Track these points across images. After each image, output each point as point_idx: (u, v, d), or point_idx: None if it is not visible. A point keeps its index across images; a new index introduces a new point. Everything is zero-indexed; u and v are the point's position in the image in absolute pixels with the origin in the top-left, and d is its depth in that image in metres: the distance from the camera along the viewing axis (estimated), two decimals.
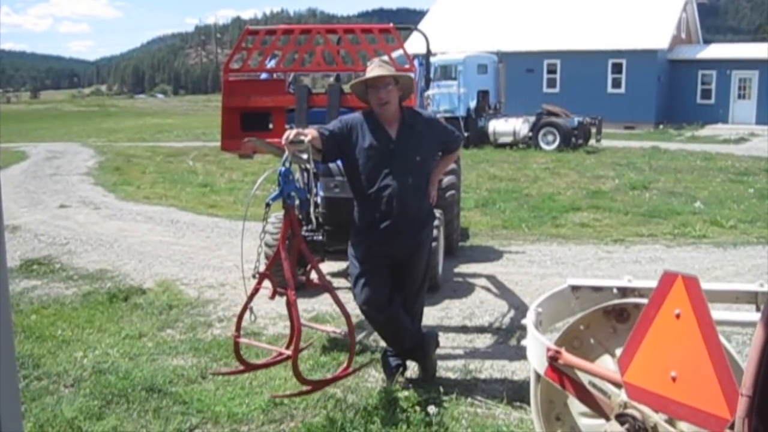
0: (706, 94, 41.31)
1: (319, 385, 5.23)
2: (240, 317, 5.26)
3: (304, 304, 7.67)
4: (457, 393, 5.49)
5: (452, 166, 9.36)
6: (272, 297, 5.25)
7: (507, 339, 6.90)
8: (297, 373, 4.89)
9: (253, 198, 6.04)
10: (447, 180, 9.30)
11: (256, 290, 5.21)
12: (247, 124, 7.30)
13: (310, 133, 5.03)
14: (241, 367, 5.38)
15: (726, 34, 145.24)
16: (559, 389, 3.58)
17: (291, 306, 5.01)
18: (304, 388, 5.10)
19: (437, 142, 5.64)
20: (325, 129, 5.26)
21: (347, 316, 5.17)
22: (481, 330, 7.17)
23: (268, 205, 5.10)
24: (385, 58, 5.84)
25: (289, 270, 4.95)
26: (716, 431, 2.70)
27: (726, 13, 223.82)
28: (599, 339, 3.69)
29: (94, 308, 7.82)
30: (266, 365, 5.52)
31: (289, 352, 5.07)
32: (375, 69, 5.35)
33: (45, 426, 4.98)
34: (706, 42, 48.78)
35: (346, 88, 6.67)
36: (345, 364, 5.30)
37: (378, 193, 5.28)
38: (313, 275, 5.39)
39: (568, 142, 25.97)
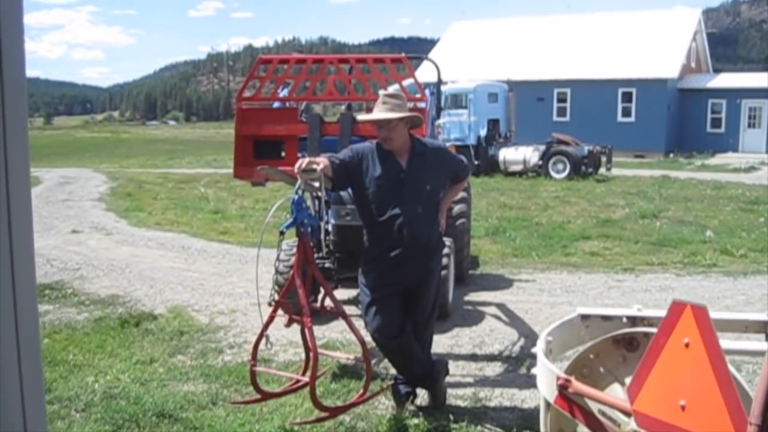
0: (716, 123, 41.31)
1: (335, 411, 5.24)
2: (256, 345, 5.29)
3: (314, 331, 7.68)
4: (467, 421, 5.49)
5: (462, 194, 9.40)
6: (288, 324, 5.29)
7: (517, 367, 6.89)
8: (314, 400, 4.92)
9: (257, 224, 6.08)
10: (457, 208, 9.34)
11: (271, 318, 5.25)
12: (260, 151, 7.36)
13: (322, 161, 5.08)
14: (258, 396, 5.40)
15: (736, 63, 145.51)
16: (568, 417, 3.59)
17: (307, 333, 5.04)
18: (320, 414, 5.11)
19: (446, 171, 5.69)
20: (336, 158, 5.31)
21: (362, 342, 5.20)
22: (491, 358, 7.17)
23: (282, 233, 5.14)
24: (392, 90, 5.87)
25: (303, 297, 4.99)
26: None
27: (736, 43, 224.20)
28: (609, 367, 3.70)
29: (106, 333, 7.85)
30: (284, 393, 5.55)
31: (306, 379, 5.10)
32: (379, 107, 5.40)
33: None
34: (716, 71, 48.91)
35: (359, 117, 6.73)
36: (361, 391, 5.31)
37: (388, 221, 5.32)
38: (327, 302, 5.42)
39: (579, 170, 25.97)
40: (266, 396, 5.46)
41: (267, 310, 5.31)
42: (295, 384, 5.41)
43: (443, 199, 5.74)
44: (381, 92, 5.68)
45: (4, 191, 1.32)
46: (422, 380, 5.73)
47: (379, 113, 5.36)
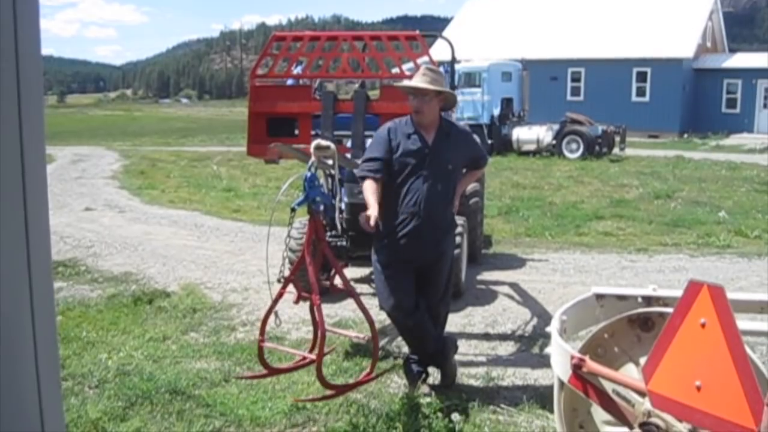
0: (731, 103, 41.01)
1: (342, 389, 5.25)
2: (264, 321, 5.30)
3: (326, 310, 7.64)
4: (480, 400, 5.49)
5: None
6: (297, 301, 5.29)
7: (529, 346, 6.89)
8: (321, 378, 4.92)
9: (278, 203, 6.11)
10: (471, 187, 9.29)
11: (280, 295, 5.25)
12: (273, 129, 7.34)
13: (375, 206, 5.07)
14: (265, 371, 5.41)
15: (752, 43, 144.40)
16: (582, 397, 3.58)
17: (316, 310, 5.04)
18: (327, 392, 5.12)
19: (467, 156, 5.70)
20: (376, 168, 5.30)
21: (371, 321, 5.19)
22: (503, 337, 7.17)
23: (293, 209, 5.13)
24: (433, 66, 5.84)
25: (313, 275, 4.98)
26: None
27: (752, 22, 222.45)
28: (623, 347, 3.68)
29: (119, 311, 7.88)
30: (290, 369, 5.56)
31: (313, 357, 5.11)
32: (419, 77, 5.40)
33: (70, 426, 5.02)
34: (732, 51, 48.53)
35: (372, 94, 6.71)
36: (368, 369, 5.32)
37: (407, 195, 5.32)
38: (337, 280, 5.42)
39: (592, 150, 25.86)
40: (273, 372, 5.47)
41: (276, 287, 5.32)
42: (302, 361, 5.42)
43: (460, 183, 5.74)
44: (424, 64, 5.68)
45: (19, 170, 1.31)
46: (434, 358, 5.73)
47: (420, 82, 5.36)
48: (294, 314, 7.32)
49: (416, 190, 5.32)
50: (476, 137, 6.19)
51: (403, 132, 5.41)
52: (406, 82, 5.66)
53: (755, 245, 11.33)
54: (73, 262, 10.18)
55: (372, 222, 4.96)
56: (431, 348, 5.63)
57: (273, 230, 7.52)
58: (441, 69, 5.85)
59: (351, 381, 5.61)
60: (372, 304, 5.93)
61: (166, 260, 10.44)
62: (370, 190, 5.21)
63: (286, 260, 5.36)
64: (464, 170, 5.84)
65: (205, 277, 9.49)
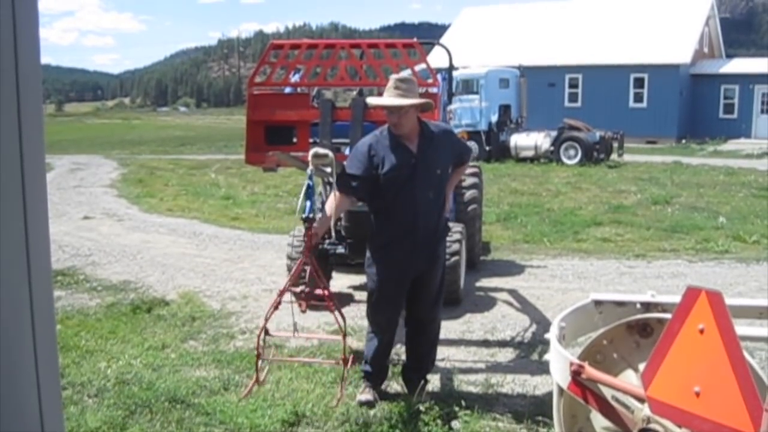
0: (728, 108, 41.08)
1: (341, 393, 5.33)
2: (259, 336, 5.30)
3: (325, 317, 7.68)
4: (479, 407, 5.48)
5: (474, 180, 9.41)
6: (304, 310, 5.34)
7: (529, 353, 6.89)
8: (342, 382, 5.02)
9: (268, 210, 6.09)
10: (469, 194, 9.32)
11: (276, 305, 5.24)
12: (272, 137, 7.35)
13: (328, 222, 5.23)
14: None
15: (749, 49, 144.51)
16: (582, 404, 3.58)
17: (334, 313, 5.10)
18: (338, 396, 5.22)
19: (452, 154, 5.65)
20: (353, 185, 5.32)
21: (341, 322, 5.24)
22: (502, 344, 7.16)
23: (305, 219, 5.16)
24: (403, 75, 5.80)
25: (319, 281, 5.04)
26: None
27: (749, 27, 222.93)
28: (622, 354, 3.69)
29: (118, 319, 7.87)
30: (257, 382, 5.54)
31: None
32: (390, 92, 5.29)
33: None
34: (729, 56, 48.54)
35: (369, 100, 6.70)
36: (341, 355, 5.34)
37: (401, 208, 5.31)
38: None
39: (590, 156, 25.89)
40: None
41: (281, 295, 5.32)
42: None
43: (448, 183, 5.72)
44: (392, 76, 5.63)
45: (19, 179, 1.32)
46: (380, 371, 5.81)
47: (391, 99, 5.29)
48: (295, 321, 7.29)
49: (409, 202, 5.30)
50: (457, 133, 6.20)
51: (384, 146, 5.34)
52: (380, 101, 5.58)
53: (753, 250, 11.34)
54: (72, 271, 10.18)
55: (313, 240, 5.09)
56: (385, 361, 5.80)
57: (273, 238, 7.53)
58: (411, 76, 5.86)
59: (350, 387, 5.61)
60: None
61: (165, 268, 10.43)
62: (334, 204, 5.31)
63: (292, 269, 5.40)
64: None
65: (204, 285, 9.48)
